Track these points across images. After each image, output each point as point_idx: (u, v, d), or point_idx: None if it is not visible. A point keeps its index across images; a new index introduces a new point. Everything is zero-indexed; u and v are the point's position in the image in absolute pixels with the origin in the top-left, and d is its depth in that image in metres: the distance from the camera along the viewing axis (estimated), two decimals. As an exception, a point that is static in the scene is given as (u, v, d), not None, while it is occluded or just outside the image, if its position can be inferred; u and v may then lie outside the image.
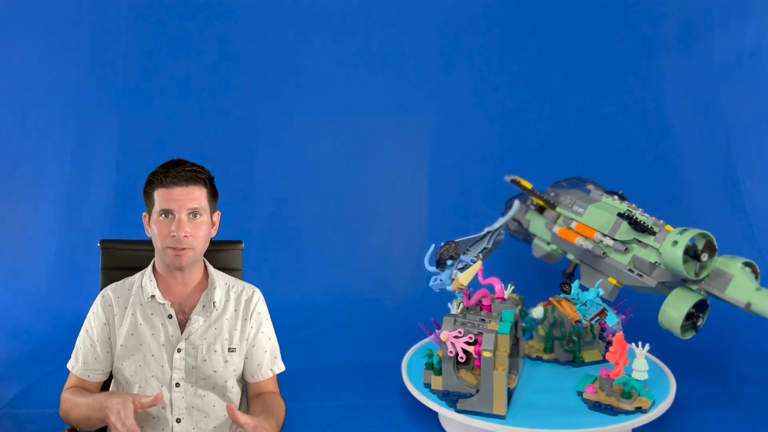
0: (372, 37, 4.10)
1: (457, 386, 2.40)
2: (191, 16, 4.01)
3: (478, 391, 2.34)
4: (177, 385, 1.58)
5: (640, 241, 2.56)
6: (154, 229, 1.57)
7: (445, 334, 2.35)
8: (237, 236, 1.97)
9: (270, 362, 1.69)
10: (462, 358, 2.34)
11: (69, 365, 1.63)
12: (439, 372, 2.44)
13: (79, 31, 3.94)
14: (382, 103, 4.11)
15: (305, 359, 3.29)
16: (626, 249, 2.58)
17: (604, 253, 2.66)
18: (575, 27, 4.12)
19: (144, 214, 1.63)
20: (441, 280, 2.52)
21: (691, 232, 2.32)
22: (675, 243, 2.29)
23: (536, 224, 3.12)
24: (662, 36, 4.10)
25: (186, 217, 1.54)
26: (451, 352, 2.34)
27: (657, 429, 2.48)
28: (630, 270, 2.56)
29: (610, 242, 2.62)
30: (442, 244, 2.43)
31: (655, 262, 2.47)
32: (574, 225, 2.83)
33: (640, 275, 2.53)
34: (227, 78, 4.06)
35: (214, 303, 1.63)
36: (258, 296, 1.72)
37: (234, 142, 4.04)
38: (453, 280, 2.52)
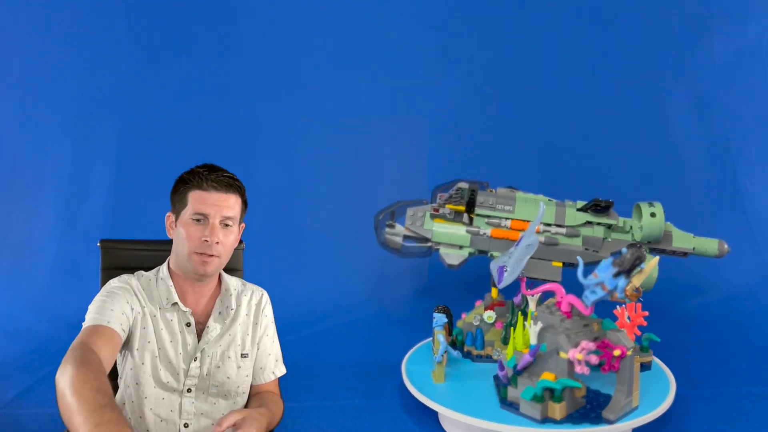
0: (372, 37, 4.10)
1: (575, 404, 2.26)
2: (191, 16, 4.01)
3: (587, 396, 2.31)
4: (189, 390, 1.57)
5: (590, 222, 2.85)
6: (181, 231, 1.51)
7: (576, 353, 2.15)
8: (237, 236, 1.97)
9: (273, 365, 1.68)
10: (586, 371, 2.16)
11: (84, 323, 1.43)
12: (560, 398, 2.20)
13: (79, 31, 3.94)
14: (382, 103, 4.11)
15: (305, 359, 3.29)
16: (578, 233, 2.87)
17: (556, 242, 2.84)
18: (575, 27, 4.12)
19: (168, 213, 1.58)
20: (610, 290, 2.14)
21: (658, 203, 2.76)
22: (653, 215, 2.73)
23: (449, 231, 2.91)
24: (662, 36, 4.10)
25: (219, 224, 1.51)
26: (583, 370, 2.14)
27: (657, 429, 2.48)
28: (586, 249, 2.82)
29: (562, 230, 2.84)
30: (624, 251, 2.09)
31: (605, 238, 2.83)
32: (507, 223, 2.85)
33: (596, 251, 2.83)
34: (227, 78, 4.06)
35: (230, 309, 1.62)
36: (266, 299, 1.71)
37: (234, 141, 4.04)
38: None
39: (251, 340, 1.64)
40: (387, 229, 2.96)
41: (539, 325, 2.27)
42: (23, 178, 3.93)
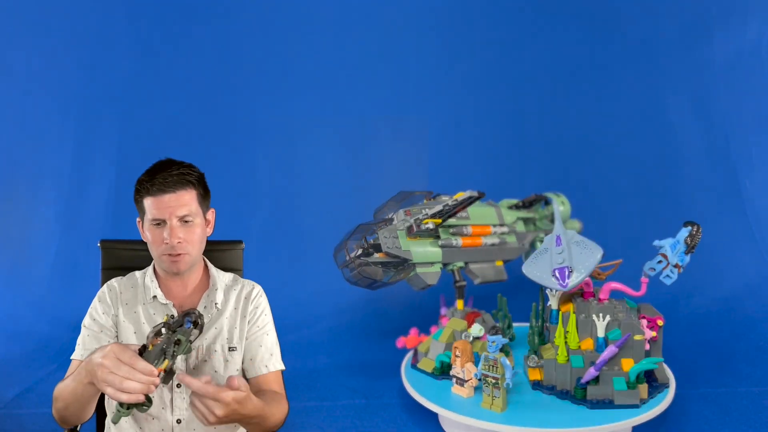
0: (372, 37, 4.10)
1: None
2: (191, 16, 4.01)
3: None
4: (178, 385, 1.57)
5: (520, 218, 2.99)
6: (148, 235, 1.56)
7: (650, 332, 2.37)
8: (237, 236, 1.97)
9: (266, 358, 1.64)
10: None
11: (72, 356, 1.57)
12: (644, 379, 2.37)
13: (79, 31, 3.94)
14: (382, 103, 4.11)
15: (305, 359, 3.29)
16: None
17: (505, 241, 2.90)
18: (575, 27, 4.12)
19: (138, 219, 1.62)
20: (680, 266, 2.31)
21: (562, 194, 3.10)
22: (563, 203, 3.07)
23: (427, 250, 2.65)
24: (662, 36, 4.10)
25: (177, 223, 1.52)
26: (647, 347, 2.38)
27: (657, 428, 2.48)
28: (521, 244, 2.96)
29: (506, 229, 2.91)
30: (689, 231, 2.27)
31: (526, 231, 3.01)
32: (469, 230, 2.76)
33: (522, 245, 2.97)
34: (227, 78, 4.06)
35: (216, 304, 1.62)
36: (257, 291, 1.70)
37: (234, 142, 4.04)
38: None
39: (239, 333, 1.63)
40: (363, 258, 2.50)
41: (607, 317, 2.36)
42: (23, 178, 3.94)
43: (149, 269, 1.67)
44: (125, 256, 1.89)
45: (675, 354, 2.96)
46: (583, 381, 2.32)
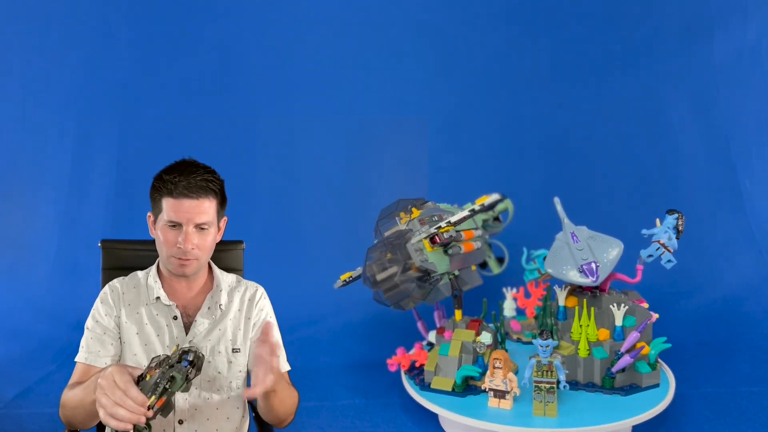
0: (372, 37, 4.10)
1: None
2: (191, 16, 4.01)
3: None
4: None
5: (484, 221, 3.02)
6: (159, 235, 1.54)
7: (654, 315, 2.49)
8: (237, 236, 1.97)
9: None
10: None
11: (76, 358, 1.58)
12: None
13: (79, 31, 3.94)
14: (382, 103, 4.11)
15: (305, 359, 3.29)
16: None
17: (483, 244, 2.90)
18: (575, 27, 4.12)
19: (149, 213, 1.60)
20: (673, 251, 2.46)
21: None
22: (509, 204, 3.16)
23: (442, 260, 2.54)
24: (662, 36, 4.10)
25: (194, 229, 1.52)
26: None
27: (657, 428, 2.49)
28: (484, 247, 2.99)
29: (480, 232, 2.86)
30: (676, 215, 2.44)
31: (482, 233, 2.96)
32: (462, 236, 2.64)
33: (484, 247, 2.96)
34: (227, 78, 4.06)
35: (220, 305, 1.63)
36: (261, 294, 1.71)
37: (234, 141, 4.04)
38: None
39: (243, 334, 1.63)
40: (404, 275, 2.35)
41: (624, 307, 2.48)
42: (23, 178, 3.94)
43: (152, 269, 1.66)
44: (126, 256, 1.89)
45: (675, 354, 2.96)
46: (615, 369, 2.41)
